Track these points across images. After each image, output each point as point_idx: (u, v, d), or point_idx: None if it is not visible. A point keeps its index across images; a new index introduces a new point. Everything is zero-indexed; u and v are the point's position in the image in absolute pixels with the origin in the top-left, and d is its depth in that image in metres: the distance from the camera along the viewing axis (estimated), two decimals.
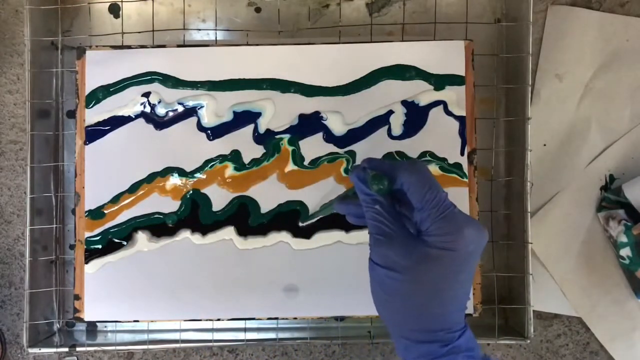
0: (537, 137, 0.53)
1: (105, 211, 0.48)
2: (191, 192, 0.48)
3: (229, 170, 0.48)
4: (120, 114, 0.49)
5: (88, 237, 0.48)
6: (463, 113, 0.48)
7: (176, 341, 0.50)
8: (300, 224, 0.48)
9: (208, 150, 0.48)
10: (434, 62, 0.48)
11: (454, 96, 0.48)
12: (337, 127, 0.48)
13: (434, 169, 0.48)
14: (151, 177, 0.48)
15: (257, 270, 0.48)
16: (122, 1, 0.52)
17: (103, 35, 0.53)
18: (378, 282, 0.35)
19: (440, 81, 0.48)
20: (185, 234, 0.48)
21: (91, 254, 0.48)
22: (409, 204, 0.35)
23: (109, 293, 0.48)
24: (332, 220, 0.48)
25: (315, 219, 0.48)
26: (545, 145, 0.54)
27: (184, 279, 0.48)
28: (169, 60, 0.49)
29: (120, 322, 0.50)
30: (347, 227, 0.48)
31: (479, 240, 0.34)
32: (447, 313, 0.34)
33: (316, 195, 0.48)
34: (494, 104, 0.53)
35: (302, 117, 0.48)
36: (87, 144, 0.48)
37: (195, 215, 0.48)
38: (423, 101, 0.48)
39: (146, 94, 0.49)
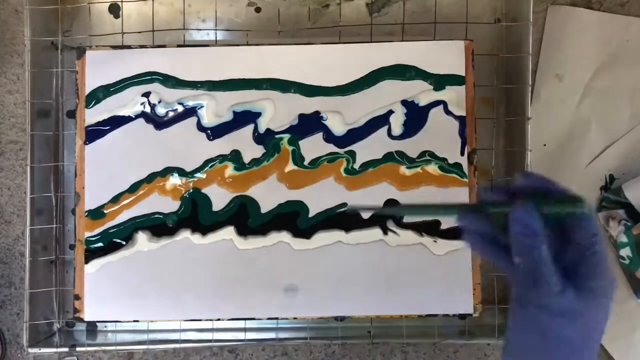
0: (537, 137, 0.53)
1: (105, 211, 0.48)
2: (191, 191, 0.48)
3: (229, 170, 0.48)
4: (120, 114, 0.49)
5: (88, 237, 0.48)
6: (463, 113, 0.48)
7: (176, 341, 0.50)
8: (398, 219, 0.47)
9: (208, 150, 0.48)
10: (434, 62, 0.48)
11: (454, 96, 0.48)
12: (337, 127, 0.48)
13: (433, 168, 0.48)
14: (151, 177, 0.48)
15: (257, 270, 0.48)
16: (122, 1, 0.52)
17: (103, 35, 0.53)
18: (521, 324, 0.32)
19: (440, 81, 0.48)
20: (185, 234, 0.48)
21: (91, 254, 0.48)
22: (557, 238, 0.32)
23: (109, 293, 0.48)
24: (332, 221, 0.48)
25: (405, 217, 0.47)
26: (545, 145, 0.54)
27: (184, 279, 0.48)
28: (169, 60, 0.49)
29: (120, 322, 0.50)
30: (347, 227, 0.48)
31: (612, 290, 0.32)
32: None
33: (316, 195, 0.48)
34: (494, 104, 0.53)
35: (302, 117, 0.48)
36: (87, 144, 0.48)
37: (195, 215, 0.48)
38: (423, 101, 0.48)
39: (146, 94, 0.49)
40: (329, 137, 0.48)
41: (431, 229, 0.48)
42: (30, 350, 0.50)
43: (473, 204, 0.33)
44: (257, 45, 0.49)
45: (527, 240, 0.31)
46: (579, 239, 0.32)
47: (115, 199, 0.48)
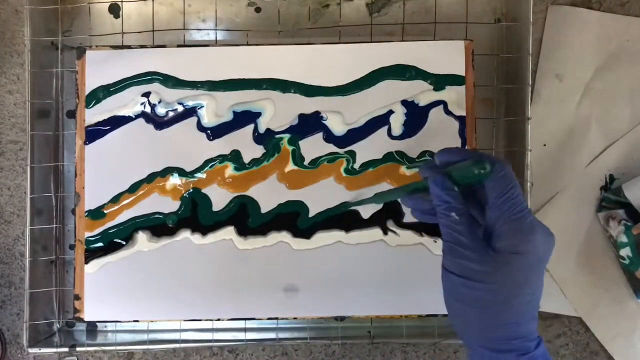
0: (537, 137, 0.53)
1: (105, 211, 0.48)
2: (191, 190, 0.48)
3: (229, 170, 0.48)
4: (120, 114, 0.49)
5: (88, 237, 0.48)
6: (463, 113, 0.48)
7: (176, 341, 0.50)
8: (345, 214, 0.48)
9: (208, 150, 0.48)
10: (434, 62, 0.48)
11: (454, 96, 0.48)
12: (337, 127, 0.48)
13: None
14: (151, 177, 0.48)
15: (257, 270, 0.48)
16: (122, 1, 0.52)
17: (103, 35, 0.53)
18: (452, 292, 0.34)
19: (440, 81, 0.48)
20: (185, 234, 0.48)
21: (91, 254, 0.48)
22: (480, 203, 0.35)
23: (109, 293, 0.48)
24: (332, 220, 0.48)
25: (352, 208, 0.47)
26: (545, 145, 0.54)
27: (184, 279, 0.48)
28: (169, 60, 0.49)
29: (120, 322, 0.50)
30: (347, 227, 0.48)
31: (548, 245, 0.33)
32: (522, 321, 0.33)
33: (316, 195, 0.48)
34: (494, 104, 0.53)
35: (302, 117, 0.48)
36: (87, 144, 0.48)
37: (195, 215, 0.48)
38: (423, 101, 0.48)
39: (146, 94, 0.49)
40: (329, 137, 0.48)
41: (431, 229, 0.48)
42: (30, 350, 0.50)
43: (417, 183, 0.38)
44: (257, 45, 0.49)
45: (441, 210, 0.34)
46: (491, 201, 0.34)
47: (115, 199, 0.48)
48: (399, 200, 0.39)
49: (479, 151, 0.36)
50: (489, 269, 0.32)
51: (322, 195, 0.48)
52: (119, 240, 0.48)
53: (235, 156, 0.48)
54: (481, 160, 0.33)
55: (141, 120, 0.49)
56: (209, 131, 0.48)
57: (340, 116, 0.48)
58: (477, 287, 0.33)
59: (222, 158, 0.48)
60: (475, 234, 0.34)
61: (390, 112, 0.48)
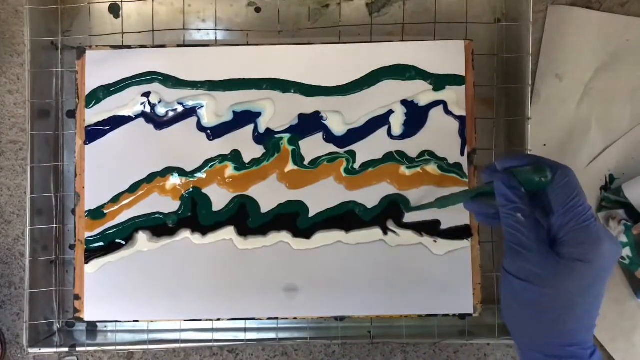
0: (537, 137, 0.53)
1: (105, 211, 0.48)
2: (191, 190, 0.48)
3: (229, 170, 0.48)
4: (120, 113, 0.49)
5: (88, 237, 0.48)
6: (463, 113, 0.48)
7: (176, 341, 0.50)
8: (401, 218, 0.48)
9: (208, 150, 0.48)
10: (434, 62, 0.48)
11: (454, 96, 0.48)
12: (337, 127, 0.48)
13: (433, 168, 0.48)
14: (151, 177, 0.48)
15: (257, 270, 0.48)
16: (122, 1, 0.52)
17: (103, 35, 0.53)
18: (512, 294, 0.34)
19: (440, 81, 0.48)
20: (185, 234, 0.48)
21: (91, 254, 0.48)
22: (544, 209, 0.34)
23: (109, 293, 0.48)
24: (332, 220, 0.48)
25: (419, 211, 0.47)
26: (545, 145, 0.54)
27: (184, 279, 0.48)
28: (169, 60, 0.49)
29: (120, 322, 0.50)
30: (347, 227, 0.48)
31: (614, 255, 0.33)
32: (580, 329, 0.33)
33: (316, 195, 0.48)
34: (494, 104, 0.53)
35: (302, 117, 0.48)
36: (87, 144, 0.48)
37: (195, 215, 0.48)
38: (423, 101, 0.48)
39: (146, 94, 0.49)
40: (329, 137, 0.48)
41: (431, 229, 0.48)
42: (30, 350, 0.50)
43: (480, 187, 0.38)
44: (257, 45, 0.49)
45: (506, 210, 0.34)
46: (556, 208, 0.33)
47: (115, 199, 0.48)
48: (462, 204, 0.39)
49: (542, 158, 0.36)
50: (552, 274, 0.32)
51: (322, 195, 0.48)
52: (119, 240, 0.48)
53: (235, 156, 0.48)
54: (542, 167, 0.33)
55: (141, 120, 0.49)
56: (209, 131, 0.49)
57: (340, 116, 0.48)
58: (538, 291, 0.32)
59: (222, 158, 0.48)
60: (539, 237, 0.33)
61: (390, 112, 0.48)
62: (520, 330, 0.35)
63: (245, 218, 0.48)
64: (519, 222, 0.33)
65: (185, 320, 0.49)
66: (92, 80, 0.49)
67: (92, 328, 0.53)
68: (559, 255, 0.32)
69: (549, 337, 0.33)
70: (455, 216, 0.48)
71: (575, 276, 0.32)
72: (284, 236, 0.48)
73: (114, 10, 0.53)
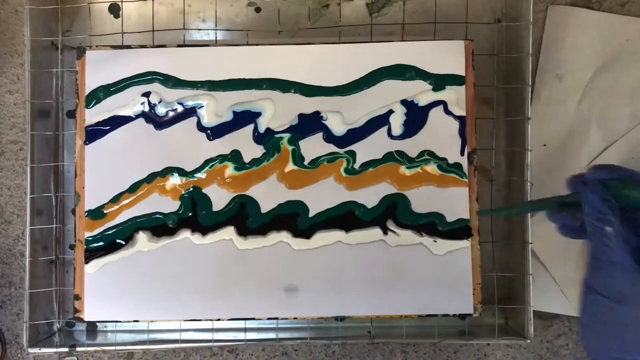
0: (537, 137, 0.53)
1: (105, 211, 0.48)
2: (191, 190, 0.48)
3: (229, 170, 0.48)
4: (120, 113, 0.49)
5: (88, 237, 0.48)
6: (463, 113, 0.48)
7: (176, 341, 0.50)
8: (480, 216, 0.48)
9: (208, 150, 0.48)
10: (434, 62, 0.48)
11: (454, 96, 0.48)
12: (337, 127, 0.48)
13: (433, 168, 0.48)
14: (151, 177, 0.48)
15: (257, 270, 0.48)
16: (122, 1, 0.52)
17: (103, 35, 0.53)
18: (595, 313, 0.32)
19: (440, 81, 0.48)
20: (185, 234, 0.48)
21: (91, 254, 0.48)
22: (634, 224, 0.33)
23: (109, 293, 0.48)
24: (332, 221, 0.48)
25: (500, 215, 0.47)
26: (545, 145, 0.54)
27: (184, 279, 0.48)
28: (169, 60, 0.49)
29: (120, 322, 0.50)
30: (347, 227, 0.48)
31: None
32: None
33: (316, 195, 0.48)
34: (494, 104, 0.53)
35: (302, 117, 0.48)
36: (87, 144, 0.48)
37: (195, 215, 0.48)
38: (423, 101, 0.48)
39: (146, 94, 0.49)
40: (329, 137, 0.48)
41: (431, 229, 0.48)
42: (30, 350, 0.50)
43: (566, 196, 0.36)
44: (257, 45, 0.49)
45: (595, 222, 0.32)
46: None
47: (115, 199, 0.48)
48: (545, 213, 0.37)
49: (635, 171, 0.34)
50: (637, 293, 0.30)
51: (322, 196, 0.48)
52: (119, 240, 0.48)
53: (235, 156, 0.48)
54: (631, 183, 0.32)
55: (141, 120, 0.49)
56: (209, 131, 0.49)
57: (340, 116, 0.48)
58: (626, 311, 0.31)
59: (222, 158, 0.48)
60: (629, 254, 0.31)
61: (390, 112, 0.48)
62: (597, 346, 0.33)
63: (245, 218, 0.48)
64: (609, 236, 0.31)
65: (185, 320, 0.49)
66: (92, 80, 0.49)
67: (92, 328, 0.53)
68: None
69: (623, 354, 0.31)
70: (455, 216, 0.48)
71: None
72: (284, 236, 0.48)
73: (114, 10, 0.53)
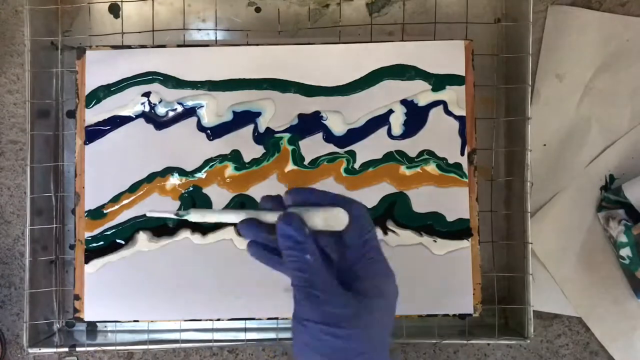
0: (537, 137, 0.53)
1: (105, 211, 0.48)
2: (191, 189, 0.48)
3: (229, 170, 0.48)
4: (120, 113, 0.49)
5: (88, 237, 0.48)
6: (463, 113, 0.48)
7: (176, 341, 0.50)
8: None
9: (208, 150, 0.48)
10: (434, 62, 0.48)
11: (454, 96, 0.48)
12: (337, 127, 0.48)
13: (433, 168, 0.48)
14: (151, 177, 0.48)
15: (257, 270, 0.47)
16: (122, 1, 0.52)
17: (103, 35, 0.53)
18: (311, 344, 0.31)
19: (440, 81, 0.48)
20: (185, 234, 0.48)
21: (91, 254, 0.48)
22: (334, 245, 0.33)
23: (109, 293, 0.48)
24: None
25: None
26: (545, 145, 0.54)
27: (184, 279, 0.48)
28: (169, 60, 0.49)
29: (120, 322, 0.50)
30: None
31: (396, 291, 0.33)
32: (384, 351, 0.32)
33: None
34: (494, 104, 0.53)
35: (302, 116, 0.48)
36: (87, 144, 0.48)
37: None
38: (423, 101, 0.48)
39: (146, 94, 0.49)
40: (329, 137, 0.48)
41: (431, 229, 0.48)
42: (30, 350, 0.50)
43: (251, 211, 0.34)
44: (257, 45, 0.49)
45: (289, 252, 0.31)
46: (351, 242, 0.32)
47: (116, 199, 0.48)
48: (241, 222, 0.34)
49: (330, 194, 0.33)
50: (354, 313, 0.30)
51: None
52: (119, 240, 0.48)
53: (235, 156, 0.48)
54: (336, 208, 0.32)
55: (141, 120, 0.49)
56: (209, 131, 0.48)
57: (340, 116, 0.48)
58: (341, 333, 0.30)
59: (222, 158, 0.48)
60: (333, 277, 0.31)
61: (390, 111, 0.48)
62: None
63: None
64: (309, 263, 0.31)
65: (185, 320, 0.49)
66: (92, 80, 0.49)
67: (92, 328, 0.53)
68: (358, 292, 0.31)
69: None
70: (455, 216, 0.48)
71: (376, 312, 0.31)
72: None
73: (114, 10, 0.53)
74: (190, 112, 0.49)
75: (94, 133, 0.49)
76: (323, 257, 0.32)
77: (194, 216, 0.34)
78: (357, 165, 0.48)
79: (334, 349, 0.30)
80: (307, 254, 0.31)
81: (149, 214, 0.36)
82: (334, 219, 0.32)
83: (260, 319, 0.49)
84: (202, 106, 0.49)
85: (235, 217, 0.34)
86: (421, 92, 0.48)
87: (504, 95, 0.53)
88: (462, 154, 0.48)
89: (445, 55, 0.48)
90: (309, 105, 0.49)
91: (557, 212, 0.53)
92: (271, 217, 0.33)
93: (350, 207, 0.32)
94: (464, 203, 0.48)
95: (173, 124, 0.49)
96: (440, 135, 0.48)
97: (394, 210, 0.48)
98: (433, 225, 0.48)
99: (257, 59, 0.49)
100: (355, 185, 0.48)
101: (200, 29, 0.54)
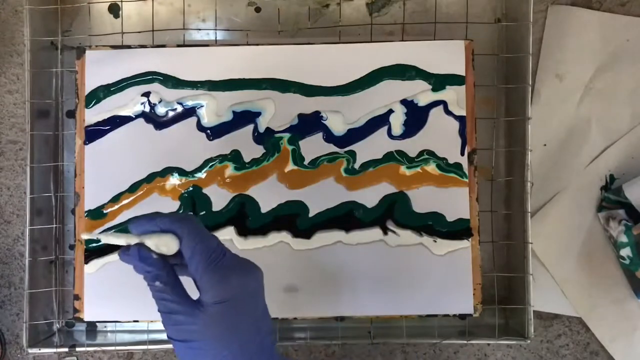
0: (537, 137, 0.53)
1: (105, 211, 0.48)
2: (191, 189, 0.48)
3: (229, 170, 0.48)
4: (120, 113, 0.49)
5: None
6: (463, 113, 0.48)
7: None
8: None
9: (208, 150, 0.48)
10: (434, 62, 0.48)
11: (454, 96, 0.48)
12: (337, 126, 0.48)
13: (433, 168, 0.48)
14: (151, 177, 0.48)
15: None
16: (122, 1, 0.52)
17: (103, 35, 0.53)
18: (183, 356, 0.34)
19: (440, 81, 0.48)
20: None
21: (91, 254, 0.48)
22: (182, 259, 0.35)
23: (109, 293, 0.48)
24: (332, 221, 0.48)
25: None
26: (545, 145, 0.54)
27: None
28: (169, 60, 0.49)
29: (120, 322, 0.50)
30: (347, 227, 0.48)
31: (248, 282, 0.34)
32: (252, 357, 0.34)
33: (316, 195, 0.48)
34: (494, 104, 0.53)
35: (302, 116, 0.48)
36: (86, 144, 0.48)
37: (195, 215, 0.48)
38: (423, 101, 0.48)
39: (146, 94, 0.49)
40: (329, 137, 0.48)
41: (431, 229, 0.48)
42: (30, 350, 0.49)
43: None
44: (257, 45, 0.49)
45: (146, 280, 0.34)
46: (186, 256, 0.34)
47: (115, 199, 0.48)
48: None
49: (162, 214, 0.36)
50: (199, 327, 0.33)
51: (322, 196, 0.48)
52: None
53: (235, 156, 0.48)
54: (165, 235, 0.33)
55: (141, 120, 0.49)
56: (209, 131, 0.48)
57: (340, 116, 0.48)
58: (196, 346, 0.33)
59: (222, 158, 0.48)
60: (184, 297, 0.34)
61: (390, 111, 0.48)
62: None
63: (245, 218, 0.48)
64: (160, 289, 0.34)
65: None
66: (92, 80, 0.49)
67: (92, 328, 0.53)
68: (203, 303, 0.33)
69: None
70: (455, 216, 0.48)
71: (225, 317, 0.33)
72: (284, 236, 0.48)
73: (114, 10, 0.53)
74: (190, 112, 0.49)
75: (93, 133, 0.48)
76: (175, 279, 0.34)
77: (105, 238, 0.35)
78: (357, 165, 0.48)
79: (196, 358, 0.33)
80: (155, 281, 0.34)
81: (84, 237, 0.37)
82: (164, 245, 0.34)
83: None
84: (202, 106, 0.49)
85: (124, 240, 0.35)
86: (421, 92, 0.48)
87: (504, 95, 0.53)
88: (462, 154, 0.48)
89: (445, 55, 0.48)
90: (309, 105, 0.49)
91: (557, 212, 0.53)
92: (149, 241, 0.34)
93: (177, 228, 0.34)
94: (464, 203, 0.48)
95: (173, 124, 0.49)
96: (441, 135, 0.48)
97: (394, 210, 0.48)
98: (433, 225, 0.48)
99: (257, 59, 0.49)
100: (355, 185, 0.48)
101: (200, 29, 0.54)
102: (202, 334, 0.33)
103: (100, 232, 0.39)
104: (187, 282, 0.35)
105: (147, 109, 0.49)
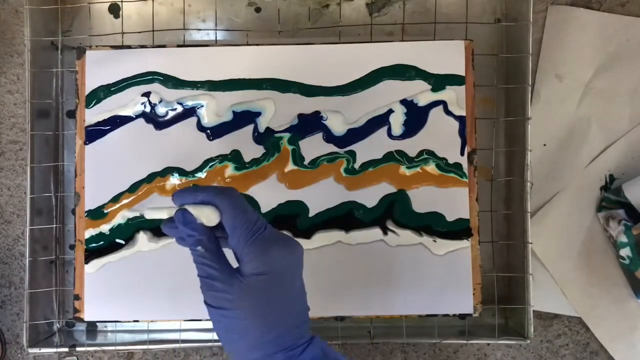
0: (537, 137, 0.53)
1: (106, 211, 0.48)
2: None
3: (229, 170, 0.48)
4: (120, 113, 0.49)
5: (88, 237, 0.48)
6: (463, 113, 0.48)
7: (176, 341, 0.50)
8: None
9: (208, 150, 0.48)
10: (434, 62, 0.48)
11: (454, 96, 0.48)
12: (337, 126, 0.48)
13: (433, 168, 0.48)
14: (151, 177, 0.48)
15: None
16: (122, 1, 0.52)
17: (103, 35, 0.53)
18: (216, 323, 0.35)
19: (440, 81, 0.48)
20: None
21: (91, 254, 0.48)
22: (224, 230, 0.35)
23: (109, 293, 0.48)
24: (332, 221, 0.48)
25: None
26: (545, 145, 0.54)
27: (184, 279, 0.48)
28: (169, 60, 0.49)
29: (120, 322, 0.50)
30: (347, 227, 0.48)
31: (289, 257, 0.34)
32: (284, 333, 0.34)
33: (316, 195, 0.48)
34: (494, 104, 0.53)
35: (302, 116, 0.48)
36: (87, 144, 0.48)
37: None
38: (423, 101, 0.48)
39: (146, 94, 0.49)
40: (329, 137, 0.48)
41: (431, 229, 0.48)
42: (30, 350, 0.50)
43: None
44: (257, 45, 0.49)
45: (186, 245, 0.35)
46: (228, 228, 0.34)
47: (116, 199, 0.48)
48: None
49: (207, 188, 0.36)
50: (236, 296, 0.33)
51: (322, 196, 0.48)
52: (119, 240, 0.48)
53: (235, 156, 0.48)
54: (206, 207, 0.34)
55: (141, 120, 0.49)
56: (209, 131, 0.49)
57: (340, 116, 0.48)
58: (230, 314, 0.33)
59: (222, 158, 0.48)
60: (224, 264, 0.34)
61: (390, 111, 0.48)
62: (237, 354, 0.35)
63: None
64: (202, 255, 0.34)
65: (185, 320, 0.49)
66: (92, 80, 0.49)
67: (92, 328, 0.53)
68: (242, 273, 0.34)
69: (259, 351, 0.34)
70: (455, 216, 0.48)
71: (261, 290, 0.33)
72: None
73: (114, 10, 0.53)
74: (190, 112, 0.49)
75: (94, 133, 0.49)
76: (216, 247, 0.35)
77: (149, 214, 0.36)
78: (357, 165, 0.48)
79: (231, 327, 0.34)
80: (199, 245, 0.34)
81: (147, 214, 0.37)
82: (205, 217, 0.35)
83: None
84: (202, 106, 0.49)
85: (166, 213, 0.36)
86: (421, 92, 0.48)
87: (504, 95, 0.53)
88: (462, 154, 0.48)
89: (445, 55, 0.48)
90: (309, 105, 0.49)
91: (557, 212, 0.53)
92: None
93: (218, 200, 0.35)
94: (464, 203, 0.48)
95: (173, 124, 0.49)
96: (440, 135, 0.48)
97: (394, 210, 0.48)
98: (433, 225, 0.48)
99: (257, 59, 0.49)
100: (355, 185, 0.48)
101: (200, 29, 0.54)
102: (238, 303, 0.33)
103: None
104: (228, 255, 0.35)
105: (148, 109, 0.49)
